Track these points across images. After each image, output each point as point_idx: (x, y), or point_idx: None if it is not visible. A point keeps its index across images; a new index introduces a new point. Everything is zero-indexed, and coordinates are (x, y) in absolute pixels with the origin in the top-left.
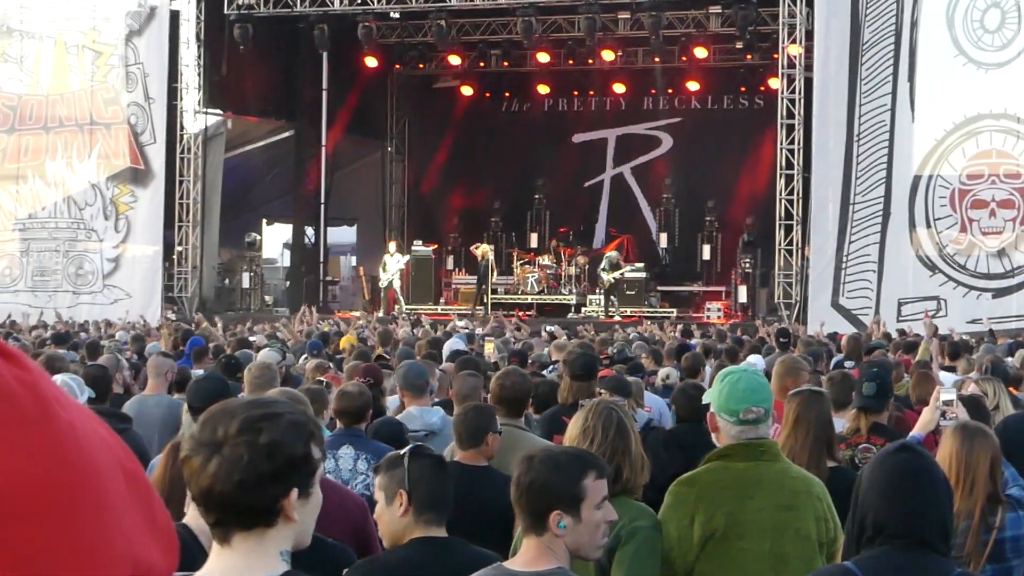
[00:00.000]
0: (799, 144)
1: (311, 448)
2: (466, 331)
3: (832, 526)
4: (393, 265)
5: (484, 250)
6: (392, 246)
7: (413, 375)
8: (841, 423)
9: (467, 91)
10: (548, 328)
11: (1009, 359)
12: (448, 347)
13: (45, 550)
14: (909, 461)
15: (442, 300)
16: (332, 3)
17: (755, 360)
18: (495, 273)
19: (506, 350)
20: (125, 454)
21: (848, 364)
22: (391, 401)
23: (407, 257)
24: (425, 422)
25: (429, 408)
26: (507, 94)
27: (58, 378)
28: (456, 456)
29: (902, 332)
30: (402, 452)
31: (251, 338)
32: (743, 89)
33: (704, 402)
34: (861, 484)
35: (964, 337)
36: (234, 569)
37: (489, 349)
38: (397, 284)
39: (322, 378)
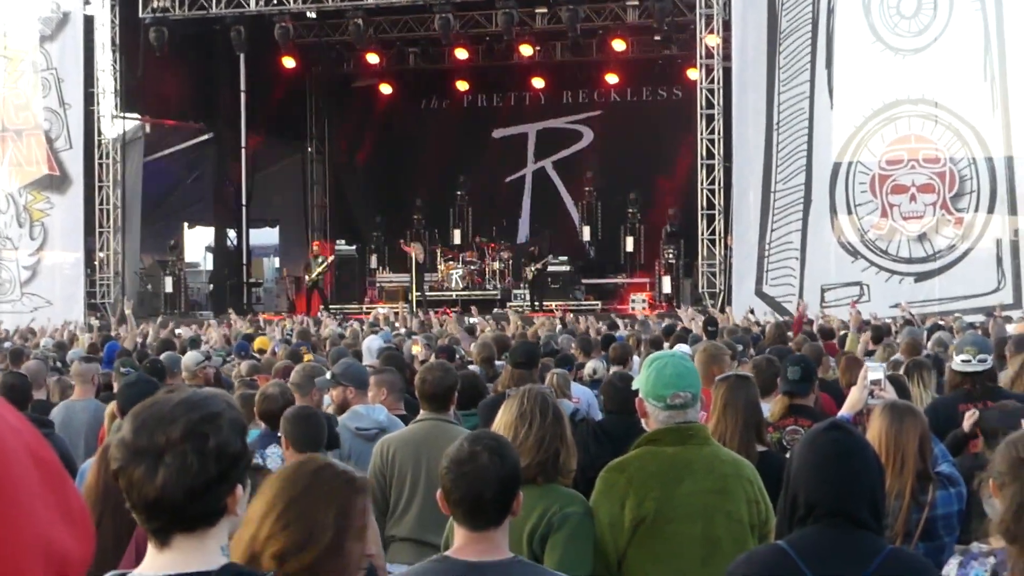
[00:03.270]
0: (719, 134)
1: (246, 441)
2: (385, 330)
3: (764, 508)
4: (317, 266)
5: (416, 248)
6: (316, 247)
7: (360, 372)
8: (767, 408)
9: (386, 90)
10: (470, 320)
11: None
12: (368, 345)
13: None
14: (839, 440)
15: (367, 299)
16: (248, 4)
17: (684, 349)
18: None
19: (434, 347)
20: (35, 440)
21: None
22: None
23: (331, 257)
24: (374, 419)
25: (373, 406)
26: (426, 92)
27: None
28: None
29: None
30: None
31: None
32: (662, 81)
33: (633, 388)
34: (792, 464)
35: (886, 321)
36: (173, 565)
37: (416, 349)
38: (322, 285)
39: (254, 378)
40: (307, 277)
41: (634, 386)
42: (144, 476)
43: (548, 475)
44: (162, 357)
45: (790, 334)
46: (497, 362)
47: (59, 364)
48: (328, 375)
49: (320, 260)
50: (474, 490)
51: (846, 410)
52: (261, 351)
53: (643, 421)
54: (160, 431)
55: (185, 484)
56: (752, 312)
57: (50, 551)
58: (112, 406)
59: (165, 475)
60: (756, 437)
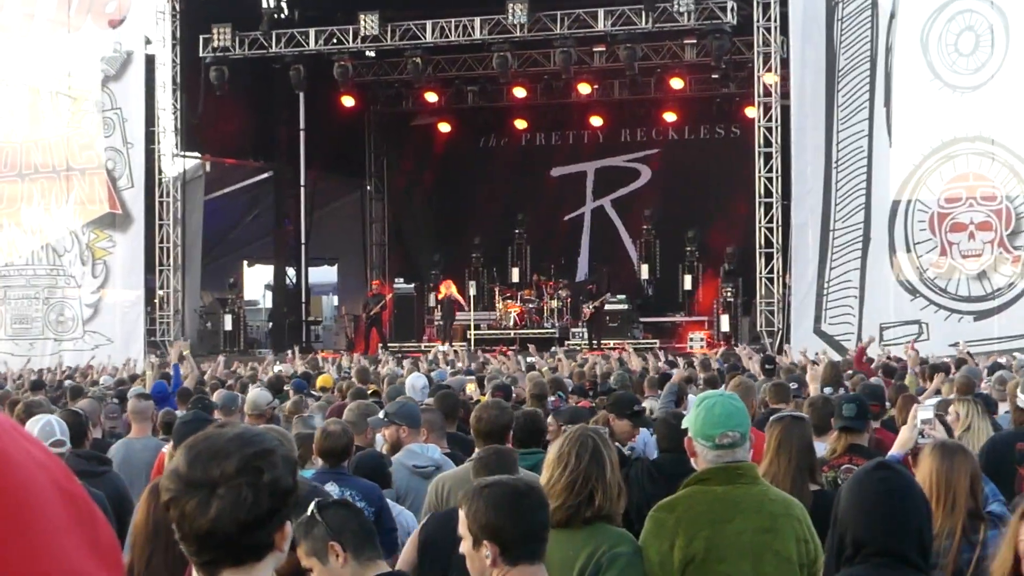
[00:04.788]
0: (777, 172)
1: (298, 478)
2: (441, 370)
3: (812, 547)
4: (376, 304)
5: (447, 285)
6: (375, 285)
7: (414, 411)
8: (823, 446)
9: (445, 128)
10: (528, 359)
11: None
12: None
13: None
14: (887, 479)
15: (425, 337)
16: (307, 43)
17: None
18: (465, 308)
19: (490, 386)
20: (63, 475)
21: (827, 391)
22: (377, 439)
23: (388, 295)
24: (429, 457)
25: (427, 445)
26: (484, 130)
27: (42, 418)
28: None
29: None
30: (309, 511)
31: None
32: (720, 118)
33: (682, 427)
34: (840, 502)
35: (945, 360)
36: None
37: (471, 388)
38: (380, 323)
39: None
40: (365, 315)
41: (683, 425)
42: (197, 508)
43: (582, 518)
44: (217, 395)
45: (850, 371)
46: (551, 398)
47: (115, 401)
48: (382, 414)
49: (379, 298)
50: (538, 520)
51: (896, 449)
52: (324, 389)
53: (692, 460)
54: (215, 464)
55: (238, 518)
56: (805, 352)
57: None
58: (169, 448)
59: (219, 508)
60: (810, 477)
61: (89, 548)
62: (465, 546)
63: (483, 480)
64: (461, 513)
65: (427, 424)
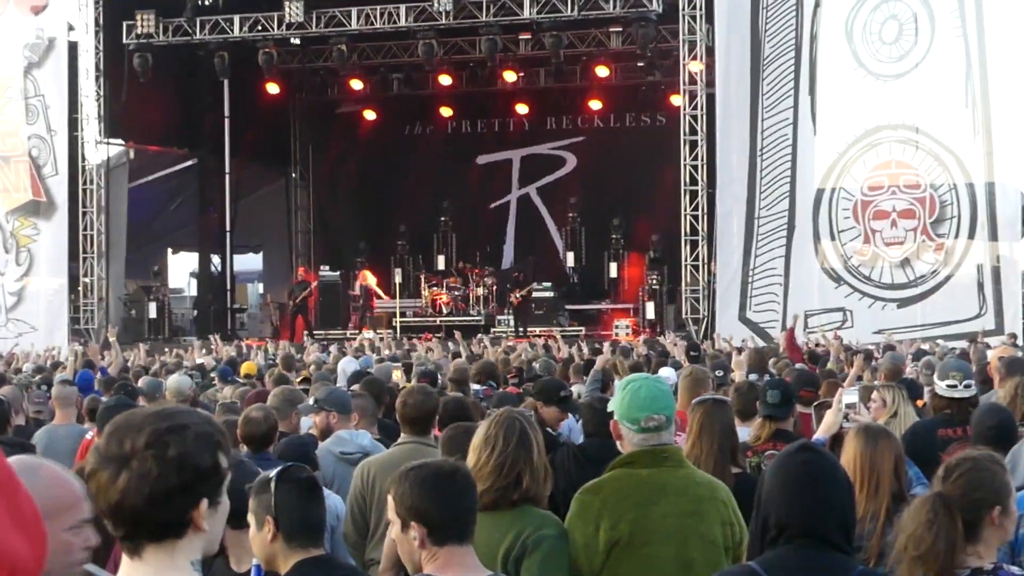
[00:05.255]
0: (703, 160)
1: (219, 458)
2: (367, 355)
3: (738, 530)
4: (301, 292)
5: (363, 276)
6: (300, 273)
7: (343, 398)
8: (747, 431)
9: (370, 115)
10: (452, 347)
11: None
12: (343, 367)
13: None
14: (810, 461)
15: (350, 325)
16: (232, 30)
17: (667, 373)
18: (382, 298)
19: (416, 372)
20: None
21: (752, 377)
22: (304, 423)
23: (313, 283)
24: (358, 444)
25: (357, 431)
26: (410, 118)
27: None
28: None
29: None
30: (270, 475)
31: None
32: (646, 107)
33: (608, 410)
34: (763, 485)
35: (868, 347)
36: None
37: (397, 376)
38: (305, 310)
39: (235, 401)
40: (291, 303)
41: (609, 408)
42: (108, 481)
43: (509, 500)
44: (141, 382)
45: (774, 358)
46: (474, 386)
47: (43, 388)
48: (311, 400)
49: (303, 285)
50: (465, 502)
51: (821, 433)
52: (248, 376)
53: (618, 443)
54: (128, 439)
55: (143, 490)
56: (730, 339)
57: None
58: (93, 433)
59: (126, 480)
60: (731, 460)
61: (11, 517)
62: (394, 531)
63: (410, 463)
64: (389, 498)
65: (359, 410)
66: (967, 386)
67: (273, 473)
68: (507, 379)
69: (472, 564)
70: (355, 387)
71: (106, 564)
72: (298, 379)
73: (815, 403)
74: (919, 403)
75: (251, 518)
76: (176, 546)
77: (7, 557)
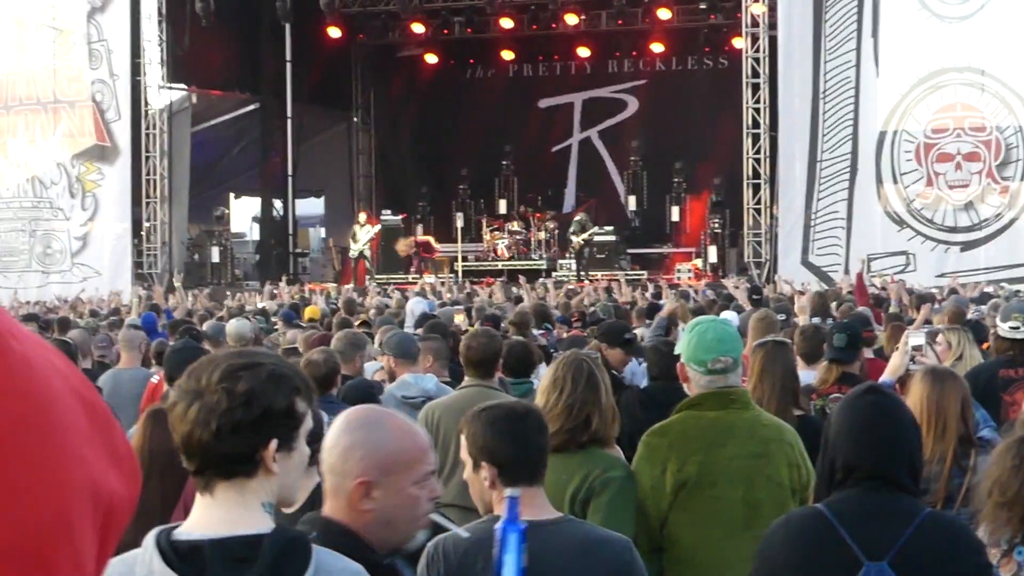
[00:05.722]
0: (765, 103)
1: (295, 401)
2: (431, 299)
3: (805, 472)
4: (364, 236)
5: (404, 244)
6: (362, 216)
7: (404, 342)
8: (813, 375)
9: (431, 59)
10: (516, 290)
11: (981, 307)
12: (411, 307)
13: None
14: (877, 403)
15: (412, 269)
16: None
17: (730, 316)
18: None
19: (478, 316)
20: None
21: (815, 320)
22: (369, 367)
23: (377, 227)
24: (421, 388)
25: (422, 375)
26: (471, 61)
27: None
28: None
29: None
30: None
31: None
32: (707, 49)
33: (675, 353)
34: (830, 427)
35: (931, 290)
36: (220, 523)
37: (459, 319)
38: (368, 254)
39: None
40: (353, 247)
41: (676, 351)
42: (182, 413)
43: (578, 442)
44: (206, 325)
45: (836, 301)
46: (535, 330)
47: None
48: (377, 344)
49: (366, 230)
50: (536, 443)
51: (887, 375)
52: (312, 320)
53: (685, 386)
54: (205, 374)
55: (212, 423)
56: (792, 282)
57: (97, 493)
58: (159, 376)
59: (196, 412)
60: (793, 402)
61: (108, 455)
62: (467, 471)
63: (483, 403)
64: (462, 438)
65: (432, 352)
66: None
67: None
68: (570, 322)
69: (542, 505)
70: (419, 331)
71: (177, 502)
72: (357, 323)
73: (873, 346)
74: (984, 346)
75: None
76: (246, 485)
77: (105, 497)
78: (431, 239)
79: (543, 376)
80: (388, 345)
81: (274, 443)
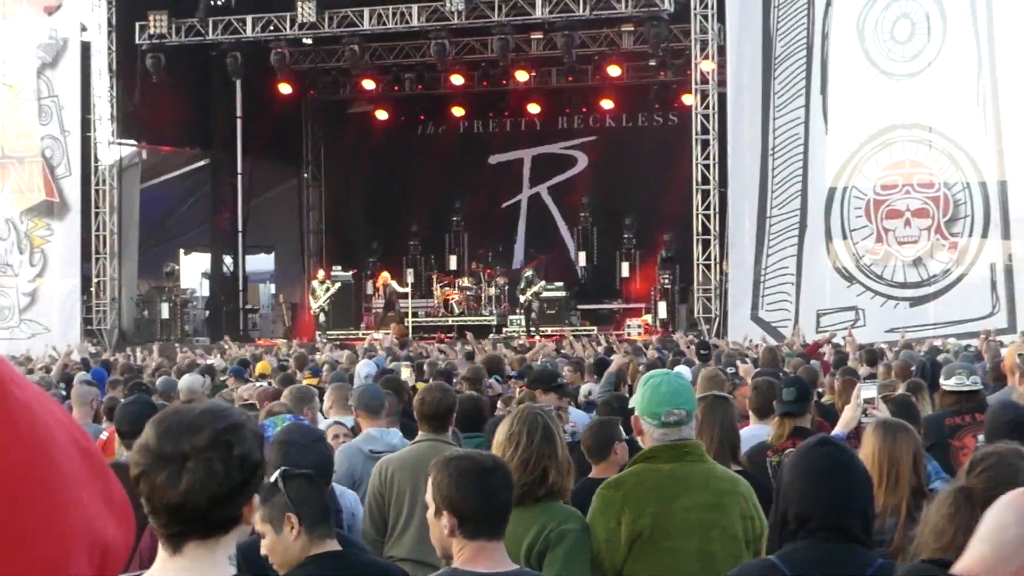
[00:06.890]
0: (714, 159)
1: (263, 452)
2: (379, 356)
3: (759, 524)
4: (323, 293)
5: (383, 279)
6: (320, 273)
7: (369, 396)
8: (767, 430)
9: (382, 115)
10: (466, 347)
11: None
12: (359, 370)
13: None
14: (829, 454)
15: (363, 325)
16: (244, 30)
17: (683, 370)
18: (404, 298)
19: (430, 371)
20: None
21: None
22: (323, 423)
23: (337, 285)
24: (387, 443)
25: (387, 429)
26: (422, 117)
27: None
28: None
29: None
30: (273, 478)
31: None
32: (657, 106)
33: (629, 406)
34: (783, 478)
35: (881, 346)
36: (186, 572)
37: (405, 374)
38: (327, 310)
39: (254, 401)
40: (313, 304)
41: (630, 404)
42: (167, 481)
43: (535, 496)
44: (158, 382)
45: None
46: (487, 380)
47: (60, 386)
48: (328, 404)
49: (326, 287)
50: (500, 499)
51: (840, 428)
52: (262, 375)
53: (639, 439)
54: (186, 438)
55: (210, 490)
56: (747, 338)
57: (94, 539)
58: (109, 432)
59: (189, 481)
60: (732, 457)
61: (105, 502)
62: (429, 514)
63: (454, 452)
64: (429, 480)
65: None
66: (974, 382)
67: (275, 475)
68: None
69: (500, 559)
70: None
71: (131, 561)
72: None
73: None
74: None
75: (265, 526)
76: (220, 542)
77: (100, 541)
78: (397, 286)
79: (497, 431)
80: (355, 398)
81: (256, 498)
